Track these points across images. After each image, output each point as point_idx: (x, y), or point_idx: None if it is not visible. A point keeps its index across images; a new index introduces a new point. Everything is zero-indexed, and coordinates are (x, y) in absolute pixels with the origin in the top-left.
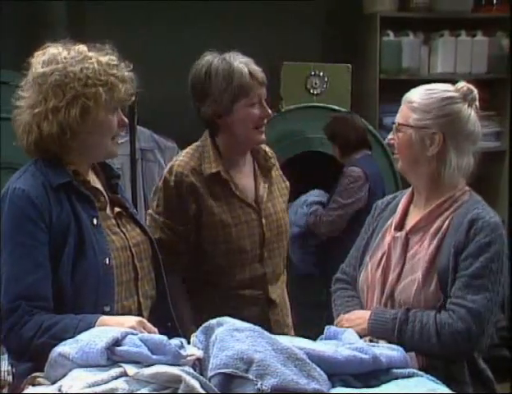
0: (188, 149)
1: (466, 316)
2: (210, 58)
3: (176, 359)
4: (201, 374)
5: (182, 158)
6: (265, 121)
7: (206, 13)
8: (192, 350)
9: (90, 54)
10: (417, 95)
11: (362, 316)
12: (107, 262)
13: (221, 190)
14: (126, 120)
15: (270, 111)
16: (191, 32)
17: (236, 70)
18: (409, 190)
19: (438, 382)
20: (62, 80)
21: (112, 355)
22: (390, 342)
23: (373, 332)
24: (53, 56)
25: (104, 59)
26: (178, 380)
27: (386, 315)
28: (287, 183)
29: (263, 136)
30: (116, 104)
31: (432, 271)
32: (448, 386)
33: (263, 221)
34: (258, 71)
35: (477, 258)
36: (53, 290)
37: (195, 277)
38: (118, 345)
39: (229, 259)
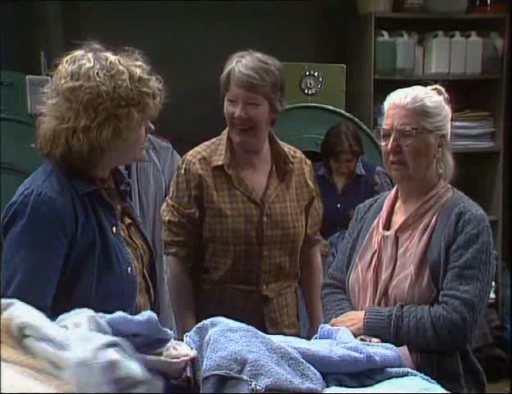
0: (207, 142)
1: (460, 307)
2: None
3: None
4: (194, 374)
5: (196, 148)
6: (238, 121)
7: (202, 13)
8: (185, 350)
9: (121, 68)
10: (421, 99)
11: (356, 316)
12: (129, 271)
13: (226, 183)
14: (152, 126)
15: (240, 112)
16: (186, 31)
17: (227, 68)
18: (392, 191)
19: (432, 381)
20: (95, 100)
21: None
22: (386, 340)
23: (369, 330)
24: (85, 69)
25: (137, 72)
26: None
27: (380, 313)
28: (312, 188)
29: (241, 138)
30: (146, 120)
31: (424, 265)
32: (441, 378)
33: (264, 219)
34: (242, 73)
35: (467, 249)
36: (76, 299)
37: (196, 265)
38: None
39: (224, 249)
